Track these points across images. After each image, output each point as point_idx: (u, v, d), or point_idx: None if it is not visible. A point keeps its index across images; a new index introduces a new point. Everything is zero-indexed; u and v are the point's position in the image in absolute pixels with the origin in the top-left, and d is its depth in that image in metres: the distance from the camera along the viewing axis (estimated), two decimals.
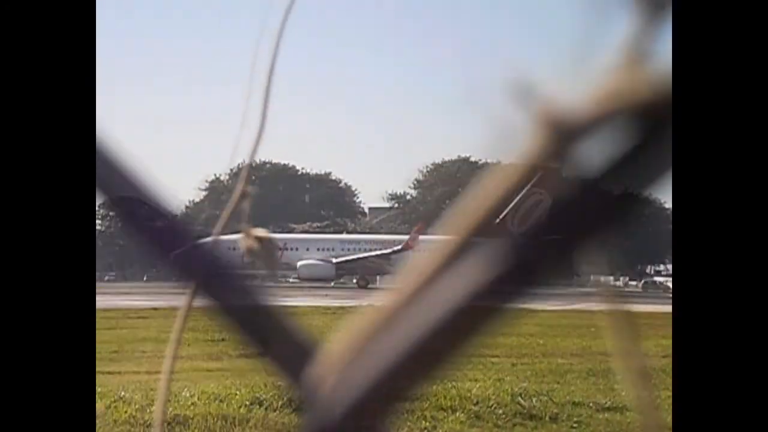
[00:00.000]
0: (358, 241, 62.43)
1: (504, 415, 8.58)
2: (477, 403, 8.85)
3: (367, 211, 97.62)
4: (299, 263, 59.54)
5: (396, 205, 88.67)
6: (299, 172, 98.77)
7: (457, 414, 8.47)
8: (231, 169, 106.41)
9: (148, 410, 8.00)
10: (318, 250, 61.24)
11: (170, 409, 8.05)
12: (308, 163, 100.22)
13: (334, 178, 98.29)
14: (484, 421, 8.37)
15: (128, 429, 7.52)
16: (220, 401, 8.43)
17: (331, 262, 60.15)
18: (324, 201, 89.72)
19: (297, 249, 60.83)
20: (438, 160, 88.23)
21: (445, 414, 8.51)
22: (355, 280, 59.72)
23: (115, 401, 8.40)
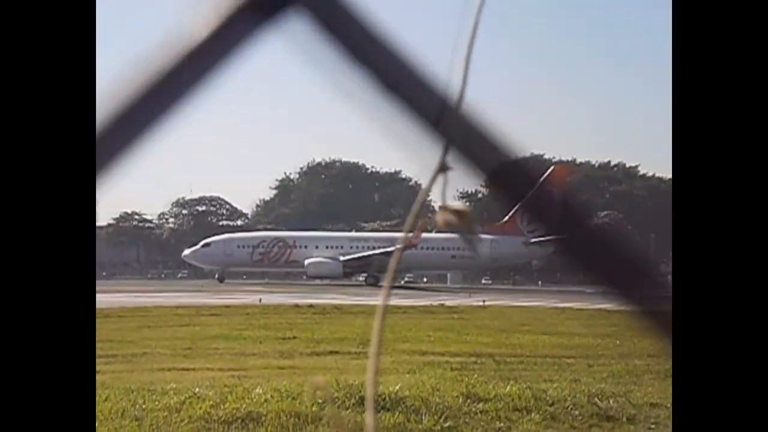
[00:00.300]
0: (366, 239, 63.61)
1: (580, 417, 8.40)
2: (553, 404, 8.69)
3: (437, 209, 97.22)
4: (307, 261, 60.73)
5: (467, 203, 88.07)
6: (369, 171, 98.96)
7: (533, 415, 8.34)
8: (301, 168, 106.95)
9: (222, 407, 8.06)
10: (327, 247, 62.26)
11: (243, 405, 8.10)
12: (378, 162, 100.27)
13: (404, 176, 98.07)
14: (560, 422, 8.21)
15: (203, 425, 7.58)
16: (293, 399, 8.44)
17: (338, 260, 60.90)
18: (394, 199, 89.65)
19: (306, 247, 62.22)
20: None
21: (521, 415, 8.40)
22: (363, 278, 60.41)
23: (189, 398, 8.48)
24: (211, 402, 8.24)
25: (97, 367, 12.13)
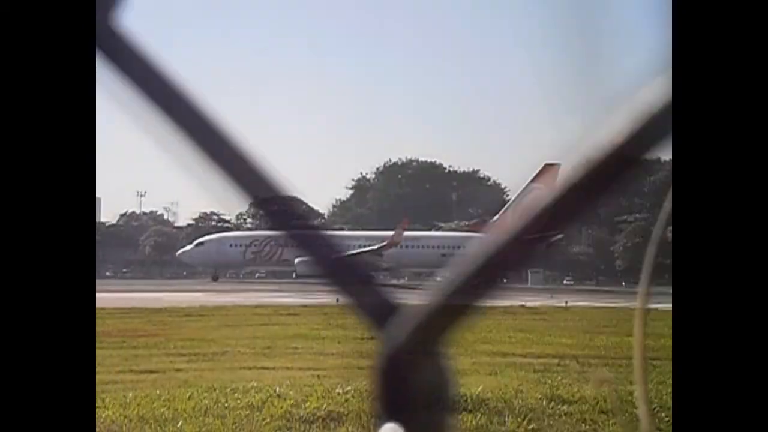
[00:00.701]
0: (357, 237, 63.54)
1: (667, 419, 8.12)
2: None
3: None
4: (296, 260, 60.74)
5: None
6: (446, 170, 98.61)
7: (619, 417, 8.09)
8: (377, 168, 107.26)
9: (303, 406, 8.04)
10: None
11: (324, 405, 8.07)
12: (456, 161, 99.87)
13: (482, 175, 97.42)
14: None
15: (285, 423, 7.57)
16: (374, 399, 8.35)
17: None
18: (472, 199, 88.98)
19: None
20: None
21: (606, 417, 8.20)
22: None
23: (270, 396, 8.51)
24: (291, 401, 8.24)
25: (180, 366, 12.33)
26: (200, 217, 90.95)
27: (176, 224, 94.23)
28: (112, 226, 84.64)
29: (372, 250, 58.85)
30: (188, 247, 65.32)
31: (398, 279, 63.71)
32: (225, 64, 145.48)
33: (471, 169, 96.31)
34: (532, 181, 61.79)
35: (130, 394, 8.81)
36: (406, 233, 62.41)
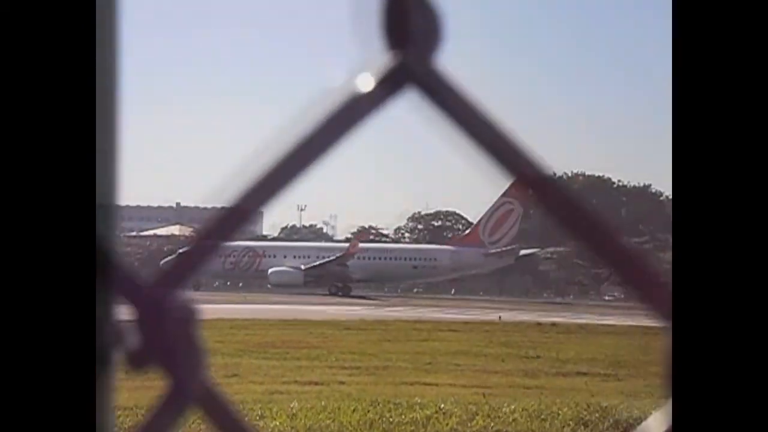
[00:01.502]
0: (332, 249, 64.97)
1: None
2: None
3: None
4: (270, 270, 62.30)
5: None
6: (615, 185, 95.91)
7: None
8: None
9: (469, 424, 7.90)
10: (294, 257, 64.26)
11: (491, 424, 7.88)
12: (626, 175, 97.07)
13: (654, 191, 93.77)
14: None
15: None
16: (542, 419, 8.13)
17: (300, 269, 62.49)
18: (642, 215, 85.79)
19: (275, 256, 64.43)
20: None
21: None
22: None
23: (435, 413, 8.44)
24: (457, 419, 8.13)
25: (342, 378, 12.45)
26: (358, 231, 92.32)
27: (334, 238, 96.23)
28: (274, 239, 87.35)
29: (333, 260, 60.55)
30: (171, 257, 67.70)
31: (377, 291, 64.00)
32: None
33: (642, 184, 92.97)
34: (504, 195, 60.93)
35: (296, 405, 8.90)
36: (378, 245, 66.23)
